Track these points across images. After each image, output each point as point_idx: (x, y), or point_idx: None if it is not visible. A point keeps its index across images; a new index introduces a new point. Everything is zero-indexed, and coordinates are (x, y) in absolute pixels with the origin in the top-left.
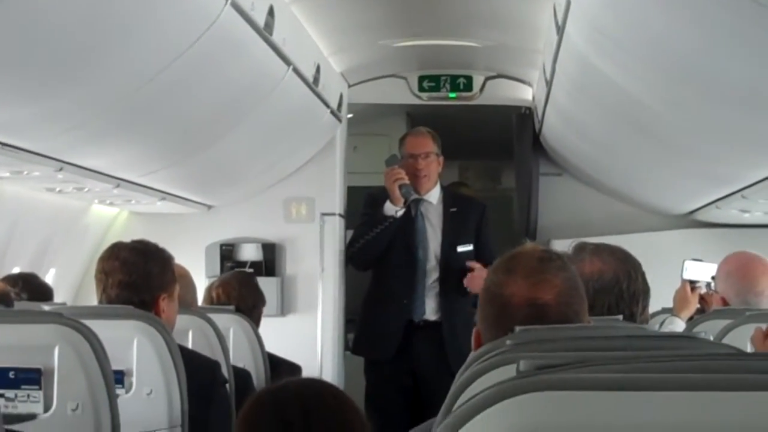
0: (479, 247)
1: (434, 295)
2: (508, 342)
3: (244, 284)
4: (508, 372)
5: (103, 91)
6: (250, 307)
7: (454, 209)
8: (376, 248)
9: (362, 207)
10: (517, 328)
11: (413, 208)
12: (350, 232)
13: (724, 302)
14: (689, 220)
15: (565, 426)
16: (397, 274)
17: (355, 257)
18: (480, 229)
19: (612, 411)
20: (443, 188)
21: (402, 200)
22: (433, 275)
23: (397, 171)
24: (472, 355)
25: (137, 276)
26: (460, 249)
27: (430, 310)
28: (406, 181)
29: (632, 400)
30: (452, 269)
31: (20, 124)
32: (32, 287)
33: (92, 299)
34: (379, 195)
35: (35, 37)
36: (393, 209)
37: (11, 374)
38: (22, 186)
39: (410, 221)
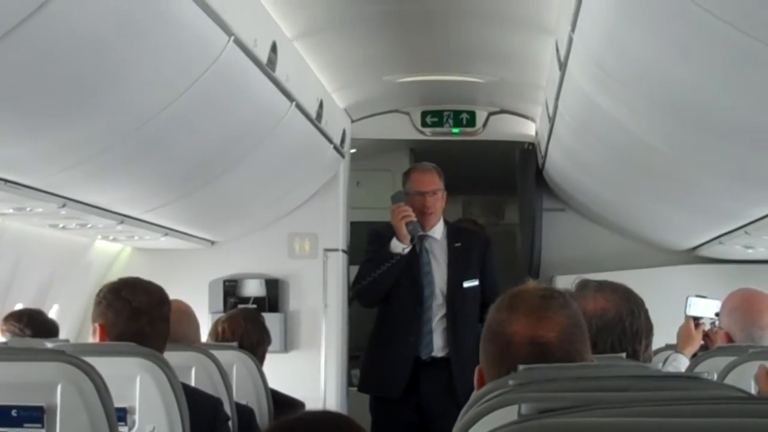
0: (484, 281)
1: (442, 332)
2: (510, 382)
3: (250, 321)
4: (509, 413)
5: (107, 128)
6: (254, 343)
7: (458, 244)
8: (384, 286)
9: (366, 244)
10: (520, 367)
11: (418, 244)
12: (353, 268)
13: (728, 338)
14: (693, 256)
15: None
16: (404, 311)
17: (361, 295)
18: (484, 263)
19: None
20: (447, 223)
21: (409, 237)
22: (440, 311)
23: (404, 208)
24: (474, 394)
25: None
26: (466, 284)
27: (438, 347)
28: (413, 218)
29: None
30: (459, 304)
31: (23, 160)
32: (38, 323)
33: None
34: (383, 231)
35: (38, 74)
36: (400, 246)
37: (14, 412)
38: (25, 222)
39: (416, 257)
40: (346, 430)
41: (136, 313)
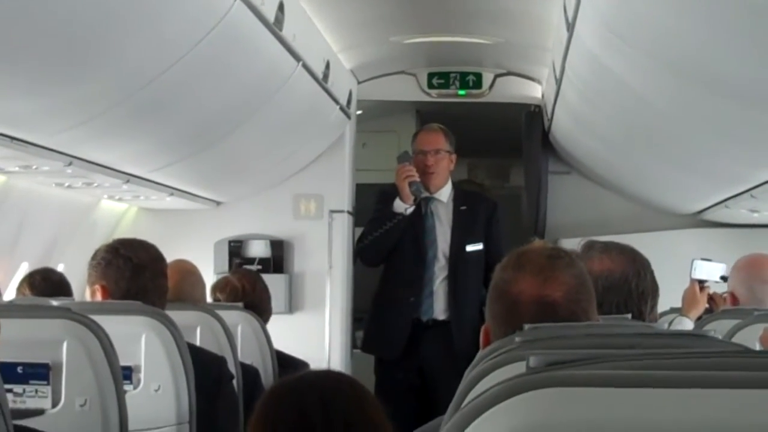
0: (488, 244)
1: (443, 294)
2: (517, 339)
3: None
4: (517, 369)
5: (113, 86)
6: (259, 307)
7: (464, 207)
8: (385, 245)
9: (374, 203)
10: (526, 326)
11: (423, 206)
12: (359, 229)
13: (733, 297)
14: (698, 220)
15: (575, 423)
16: (406, 272)
17: (363, 253)
18: (490, 227)
19: (623, 408)
20: (455, 186)
21: (412, 198)
22: (442, 274)
23: (408, 168)
24: (480, 352)
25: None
26: (470, 248)
27: (439, 310)
28: (417, 178)
29: (643, 397)
30: (461, 268)
31: (29, 118)
32: (51, 283)
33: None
34: (392, 191)
35: (44, 31)
36: (402, 206)
37: (19, 369)
38: (31, 181)
39: (420, 219)
40: (347, 388)
41: (138, 269)
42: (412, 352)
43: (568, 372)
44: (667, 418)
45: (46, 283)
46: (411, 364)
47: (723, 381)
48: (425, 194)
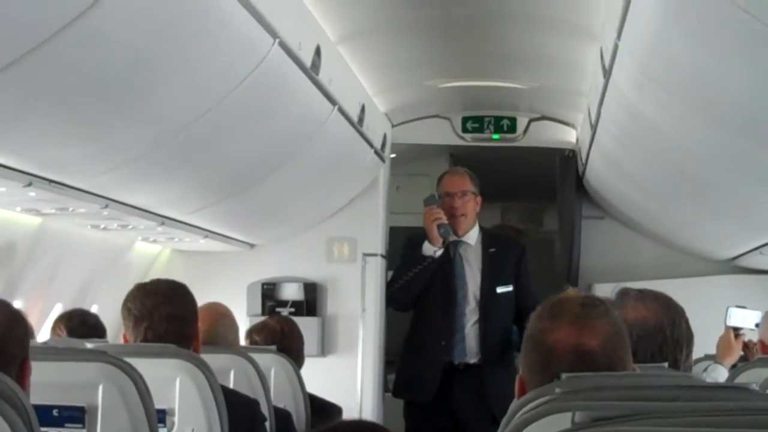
0: (519, 287)
1: (475, 337)
2: (557, 390)
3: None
4: (558, 421)
5: (150, 130)
6: (292, 351)
7: (493, 249)
8: (415, 289)
9: (401, 248)
10: (564, 375)
11: (451, 249)
12: (391, 273)
13: (764, 345)
14: (732, 266)
15: None
16: (436, 315)
17: (393, 298)
18: (519, 269)
19: None
20: (482, 229)
21: (440, 240)
22: (473, 317)
23: (436, 210)
24: (516, 402)
25: (182, 309)
26: (500, 290)
27: (471, 353)
28: (445, 220)
29: None
30: (492, 310)
31: (67, 161)
32: (87, 326)
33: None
34: (419, 236)
35: (82, 78)
36: (431, 249)
37: (55, 412)
38: (67, 222)
39: (449, 262)
40: None
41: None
42: (443, 395)
43: (615, 428)
44: None
45: (83, 327)
46: (442, 408)
47: None
48: (453, 237)
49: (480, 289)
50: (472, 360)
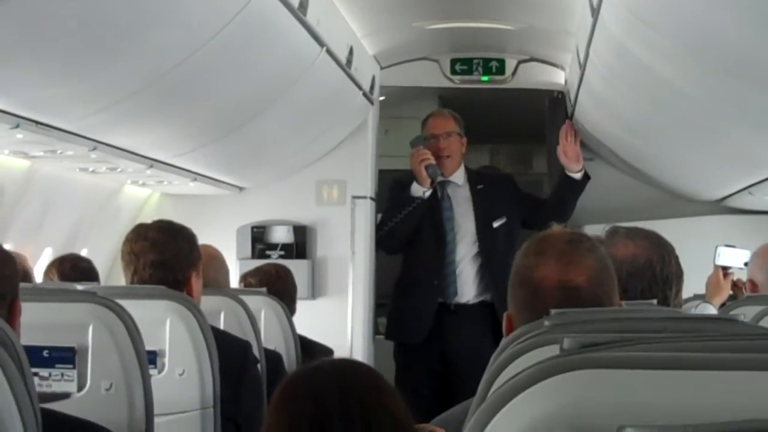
0: (528, 203)
1: (473, 278)
2: (546, 323)
3: (276, 277)
4: (547, 353)
5: (137, 72)
6: (283, 294)
7: (481, 186)
8: (404, 230)
9: (388, 192)
10: (553, 311)
11: (439, 190)
12: (381, 216)
13: (752, 283)
14: (722, 207)
15: (611, 404)
16: (427, 256)
17: (383, 240)
18: (521, 197)
19: (659, 390)
20: (467, 169)
21: (429, 180)
22: (467, 256)
23: (423, 151)
24: (505, 339)
25: (169, 255)
26: (496, 224)
27: (467, 294)
28: (433, 161)
29: (680, 379)
30: (491, 245)
31: (54, 103)
32: (79, 270)
33: (123, 280)
34: (405, 179)
35: (67, 17)
36: (420, 190)
37: (45, 353)
38: (55, 166)
39: (437, 203)
40: (365, 377)
41: None
42: (434, 337)
43: (604, 354)
44: (701, 400)
45: (74, 271)
46: (432, 350)
47: (756, 363)
48: (442, 177)
49: (476, 226)
50: (471, 300)
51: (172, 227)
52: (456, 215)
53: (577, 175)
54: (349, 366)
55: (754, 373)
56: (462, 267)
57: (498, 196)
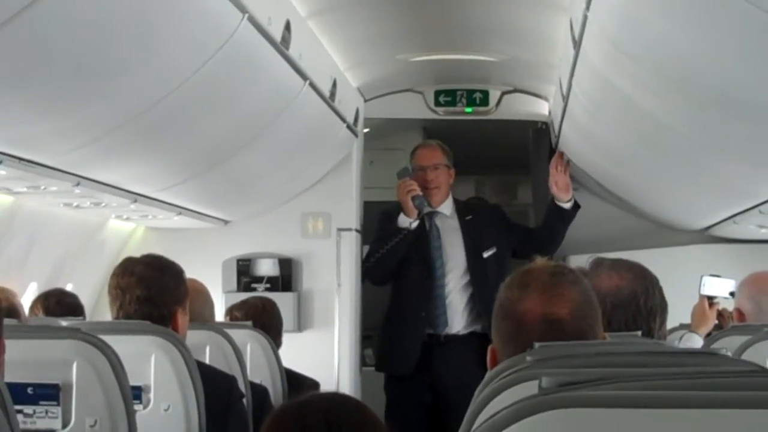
0: (518, 233)
1: (463, 309)
2: (528, 358)
3: (261, 310)
4: (529, 389)
5: (121, 106)
6: (268, 327)
7: (469, 217)
8: (391, 261)
9: (377, 223)
10: (536, 344)
11: (427, 221)
12: (367, 247)
13: (740, 312)
14: (706, 236)
15: None
16: (415, 288)
17: (370, 272)
18: (510, 227)
19: (636, 428)
20: (456, 200)
21: (416, 212)
22: (456, 286)
23: (410, 183)
24: (489, 372)
25: (155, 290)
26: (486, 254)
27: (458, 323)
28: (419, 192)
29: (656, 418)
30: (482, 275)
31: (38, 138)
32: (65, 306)
33: (109, 314)
34: (393, 210)
35: (51, 53)
36: (407, 221)
37: (29, 390)
38: (39, 201)
39: (425, 234)
40: (353, 411)
41: None
42: (424, 368)
43: (581, 393)
44: None
45: (60, 306)
46: (422, 381)
47: (735, 401)
48: (428, 208)
49: (466, 257)
50: (454, 330)
51: (160, 263)
52: (445, 246)
53: (567, 205)
54: (337, 400)
55: (731, 411)
56: (452, 298)
57: (487, 226)
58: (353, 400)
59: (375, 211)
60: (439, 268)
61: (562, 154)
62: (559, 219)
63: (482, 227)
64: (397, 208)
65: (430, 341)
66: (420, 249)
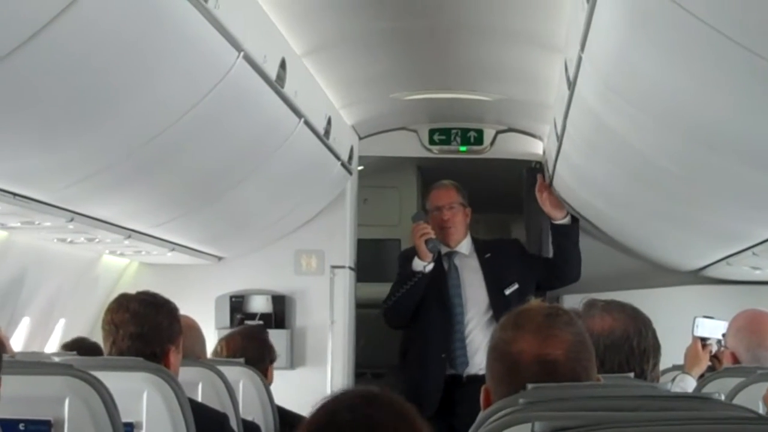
0: (542, 265)
1: (485, 346)
2: (520, 401)
3: (248, 338)
4: (521, 431)
5: (115, 143)
6: (254, 360)
7: (489, 255)
8: (407, 305)
9: (398, 267)
10: (529, 386)
11: (446, 261)
12: (360, 285)
13: (734, 358)
14: (700, 277)
15: None
16: (434, 328)
17: (387, 315)
18: (531, 261)
19: None
20: (474, 239)
21: (430, 255)
22: (477, 326)
23: (423, 226)
24: (482, 413)
25: (148, 328)
26: (507, 291)
27: (476, 363)
28: (432, 235)
29: None
30: (505, 313)
31: (32, 174)
32: (84, 350)
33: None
34: (412, 253)
35: (46, 90)
36: (421, 264)
37: (21, 426)
38: (33, 236)
39: (443, 275)
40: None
41: None
42: (445, 410)
43: None
44: None
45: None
46: (443, 424)
47: None
48: (445, 249)
49: (488, 295)
50: (475, 370)
51: (155, 301)
52: (465, 285)
53: (565, 221)
54: (370, 396)
55: None
56: (473, 336)
57: (508, 262)
58: (387, 393)
59: (369, 248)
60: (458, 306)
61: (542, 177)
62: (564, 237)
63: (503, 264)
64: (414, 250)
65: (452, 381)
66: (438, 290)
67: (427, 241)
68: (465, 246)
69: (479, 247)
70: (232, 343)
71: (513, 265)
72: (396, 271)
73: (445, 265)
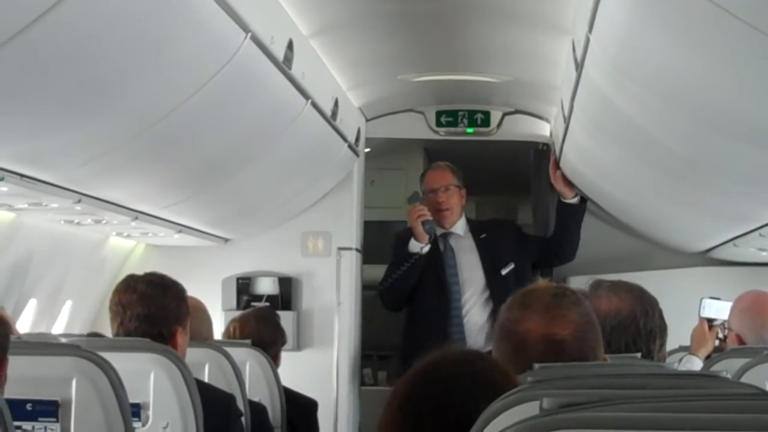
0: (539, 244)
1: (480, 327)
2: (529, 379)
3: (262, 320)
4: (529, 409)
5: (122, 124)
6: (266, 343)
7: (484, 235)
8: (404, 287)
9: (392, 248)
10: (536, 365)
11: (441, 242)
12: (367, 267)
13: (739, 339)
14: (706, 258)
15: None
16: (431, 308)
17: (383, 297)
18: (526, 241)
19: None
20: (469, 220)
21: (426, 237)
22: (474, 306)
23: (420, 208)
24: None
25: (156, 309)
26: (504, 271)
27: (474, 342)
28: (429, 217)
29: None
30: (502, 292)
31: (40, 155)
32: None
33: (109, 331)
34: (407, 235)
35: (54, 71)
36: (418, 246)
37: (28, 406)
38: (40, 218)
39: (440, 256)
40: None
41: None
42: None
43: (582, 414)
44: None
45: None
46: None
47: (735, 423)
48: (441, 231)
49: (485, 276)
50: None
51: (162, 282)
52: (461, 266)
53: (574, 200)
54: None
55: None
56: (470, 316)
57: (503, 243)
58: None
59: (375, 230)
60: (455, 286)
61: (555, 156)
62: (570, 216)
63: (498, 244)
64: (410, 232)
65: None
66: (435, 271)
67: (423, 223)
68: (460, 227)
69: (474, 227)
70: (247, 326)
71: (508, 245)
72: (392, 252)
73: (441, 246)
